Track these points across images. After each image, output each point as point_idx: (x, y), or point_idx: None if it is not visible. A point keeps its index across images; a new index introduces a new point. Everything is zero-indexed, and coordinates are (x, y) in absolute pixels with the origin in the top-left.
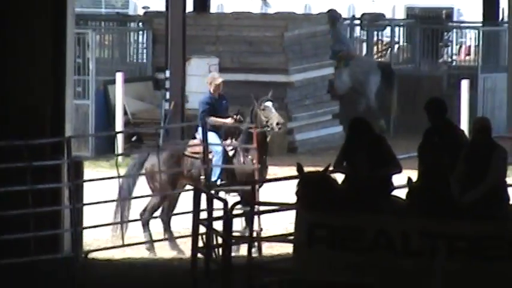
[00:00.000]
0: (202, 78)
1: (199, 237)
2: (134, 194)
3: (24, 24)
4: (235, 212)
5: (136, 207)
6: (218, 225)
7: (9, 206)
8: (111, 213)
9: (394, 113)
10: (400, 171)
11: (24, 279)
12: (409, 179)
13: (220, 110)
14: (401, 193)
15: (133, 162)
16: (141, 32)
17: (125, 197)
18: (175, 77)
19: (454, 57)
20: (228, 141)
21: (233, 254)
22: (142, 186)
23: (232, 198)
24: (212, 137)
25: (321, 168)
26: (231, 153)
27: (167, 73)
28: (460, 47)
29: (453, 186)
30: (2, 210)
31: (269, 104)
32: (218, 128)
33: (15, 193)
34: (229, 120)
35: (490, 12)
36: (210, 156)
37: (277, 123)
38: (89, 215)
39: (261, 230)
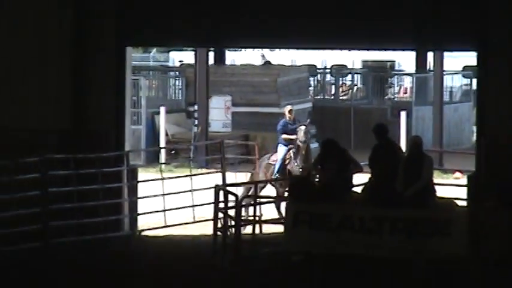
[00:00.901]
0: (220, 110)
1: (218, 221)
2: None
3: (99, 74)
4: (243, 203)
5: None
6: (232, 212)
7: (85, 199)
8: (157, 203)
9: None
10: (361, 170)
11: (97, 251)
12: (370, 179)
13: (291, 129)
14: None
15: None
16: (177, 78)
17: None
18: (201, 109)
19: (396, 95)
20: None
21: (242, 232)
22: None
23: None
24: (281, 149)
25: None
26: (287, 161)
27: (196, 107)
28: (400, 88)
29: (397, 185)
30: (81, 202)
31: (301, 127)
32: (289, 142)
33: (90, 191)
34: (293, 137)
35: (421, 64)
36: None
37: (300, 141)
38: (141, 205)
39: (261, 215)
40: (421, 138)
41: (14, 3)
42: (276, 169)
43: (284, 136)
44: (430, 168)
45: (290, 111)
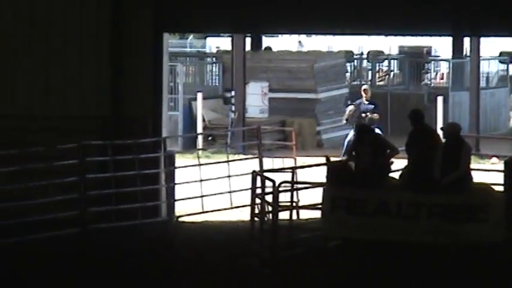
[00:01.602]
0: (257, 96)
1: (256, 206)
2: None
3: (136, 61)
4: (280, 188)
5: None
6: (269, 198)
7: (123, 185)
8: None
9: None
10: (397, 152)
11: (134, 236)
12: (407, 164)
13: (365, 109)
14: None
15: None
16: (214, 64)
17: None
18: (238, 95)
19: (432, 80)
20: None
21: (280, 217)
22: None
23: None
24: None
25: (340, 159)
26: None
27: (232, 93)
28: (436, 73)
29: (435, 171)
30: (118, 188)
31: (349, 107)
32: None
33: (127, 177)
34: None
35: (457, 50)
36: None
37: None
38: (179, 191)
39: (299, 200)
40: (459, 125)
41: None
42: (343, 151)
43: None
44: (468, 156)
45: (365, 91)
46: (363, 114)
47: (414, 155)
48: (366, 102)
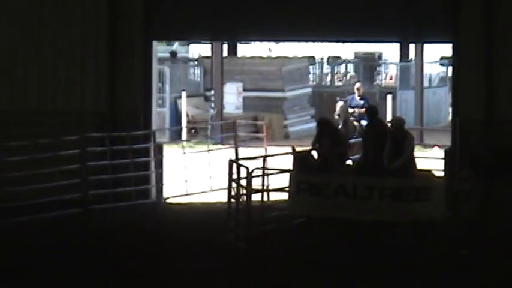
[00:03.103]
0: (233, 95)
1: (232, 189)
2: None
3: (129, 65)
4: (253, 174)
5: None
6: (243, 182)
7: (118, 171)
8: (179, 175)
9: None
10: (349, 145)
11: (128, 214)
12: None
13: (356, 105)
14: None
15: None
16: (196, 68)
17: None
18: (217, 94)
19: (383, 81)
20: None
21: (252, 198)
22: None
23: None
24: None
25: (304, 148)
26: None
27: (212, 92)
28: (386, 75)
29: (384, 159)
30: (115, 174)
31: (339, 102)
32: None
33: (122, 164)
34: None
35: (404, 54)
36: None
37: (336, 114)
38: (166, 177)
39: (269, 184)
40: (403, 119)
41: (59, 3)
42: None
43: (350, 110)
44: (412, 144)
45: (358, 89)
46: (352, 110)
47: (369, 145)
48: (358, 98)
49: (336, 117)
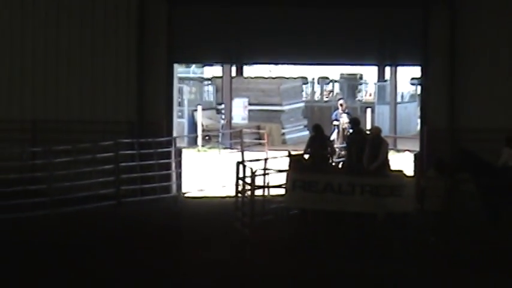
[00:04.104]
0: (240, 108)
1: (239, 186)
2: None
3: (155, 83)
4: (256, 173)
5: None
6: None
7: (145, 171)
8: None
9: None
10: (334, 150)
11: (153, 206)
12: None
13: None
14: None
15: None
16: (210, 86)
17: None
18: (226, 108)
19: (363, 97)
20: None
21: (256, 193)
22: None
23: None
24: (335, 132)
25: (298, 152)
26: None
27: (223, 105)
28: (366, 92)
29: (364, 161)
30: (142, 172)
31: (344, 115)
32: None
33: (148, 165)
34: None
35: (381, 75)
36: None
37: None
38: (184, 175)
39: (269, 182)
40: (379, 128)
41: (97, 32)
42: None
43: (335, 122)
44: (386, 149)
45: (341, 105)
46: (336, 122)
47: (352, 149)
48: (341, 112)
49: (346, 126)
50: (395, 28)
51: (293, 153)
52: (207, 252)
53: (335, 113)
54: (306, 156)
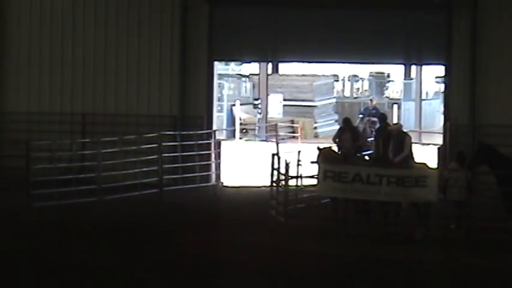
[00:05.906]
0: (275, 103)
1: (274, 176)
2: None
3: (196, 79)
4: (290, 164)
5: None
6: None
7: (187, 161)
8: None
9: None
10: (364, 141)
11: (193, 194)
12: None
13: (373, 114)
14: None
15: None
16: (247, 82)
17: None
18: (263, 103)
19: (390, 94)
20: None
21: (289, 183)
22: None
23: None
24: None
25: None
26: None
27: (259, 101)
28: (393, 89)
29: (390, 155)
30: (184, 163)
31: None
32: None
33: (190, 156)
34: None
35: (407, 74)
36: None
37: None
38: (223, 165)
39: (302, 173)
40: (400, 124)
41: (143, 33)
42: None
43: (366, 119)
44: (410, 143)
45: (371, 100)
46: (367, 118)
47: (379, 143)
48: (371, 108)
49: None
50: (421, 29)
51: (321, 146)
52: (244, 238)
53: (365, 107)
54: (334, 148)
